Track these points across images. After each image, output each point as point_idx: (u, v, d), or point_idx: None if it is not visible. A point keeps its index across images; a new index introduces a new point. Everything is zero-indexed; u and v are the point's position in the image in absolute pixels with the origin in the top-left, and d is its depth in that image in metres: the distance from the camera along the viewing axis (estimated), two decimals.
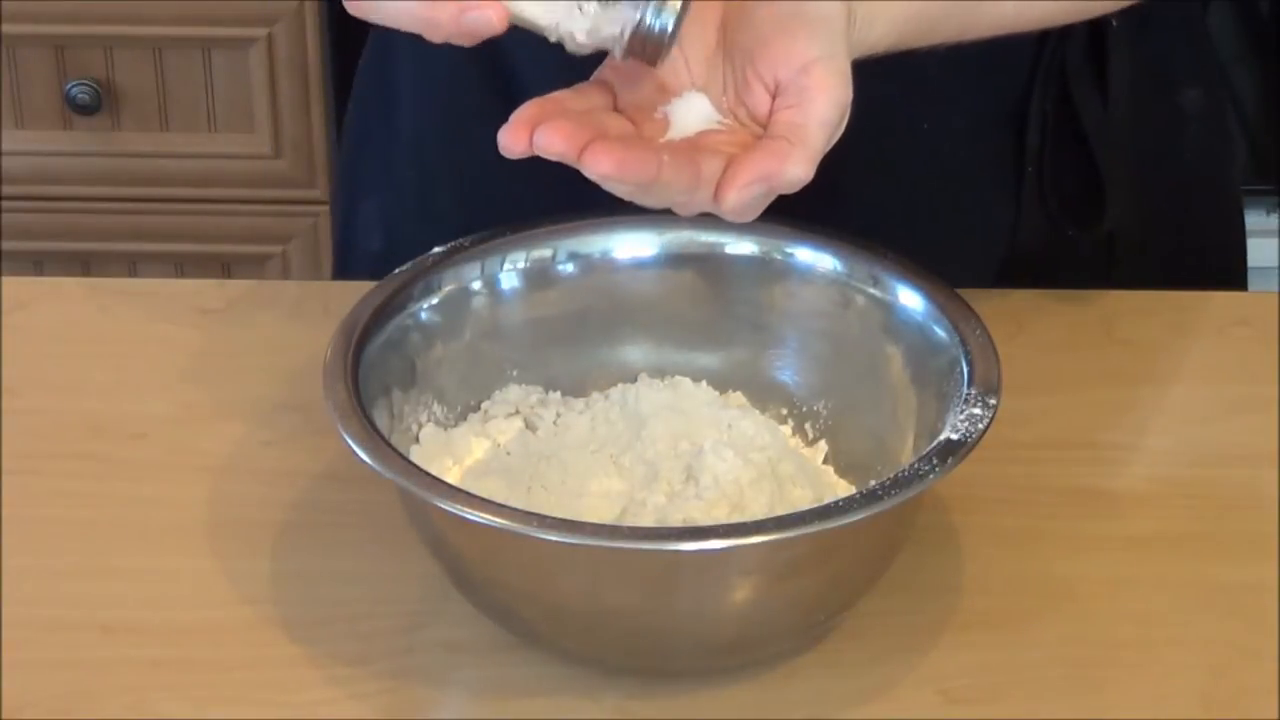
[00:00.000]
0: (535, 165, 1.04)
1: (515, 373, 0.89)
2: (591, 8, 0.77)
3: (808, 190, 0.99)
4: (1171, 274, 1.06)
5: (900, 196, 1.02)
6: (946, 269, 1.00)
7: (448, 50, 1.04)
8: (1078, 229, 1.04)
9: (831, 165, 0.99)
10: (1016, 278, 1.04)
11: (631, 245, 0.90)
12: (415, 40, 1.06)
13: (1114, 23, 0.99)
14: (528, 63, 1.01)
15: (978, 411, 0.79)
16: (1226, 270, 1.12)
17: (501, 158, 1.05)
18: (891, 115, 0.99)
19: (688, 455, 0.85)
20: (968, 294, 0.86)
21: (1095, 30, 1.00)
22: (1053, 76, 1.00)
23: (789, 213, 0.99)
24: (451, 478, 0.84)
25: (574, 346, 0.90)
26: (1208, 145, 1.09)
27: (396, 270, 0.87)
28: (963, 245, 1.04)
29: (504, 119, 1.03)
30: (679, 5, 0.76)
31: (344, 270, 1.15)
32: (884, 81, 0.97)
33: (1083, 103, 1.01)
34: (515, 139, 0.76)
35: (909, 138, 1.00)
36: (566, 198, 0.99)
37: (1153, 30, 1.02)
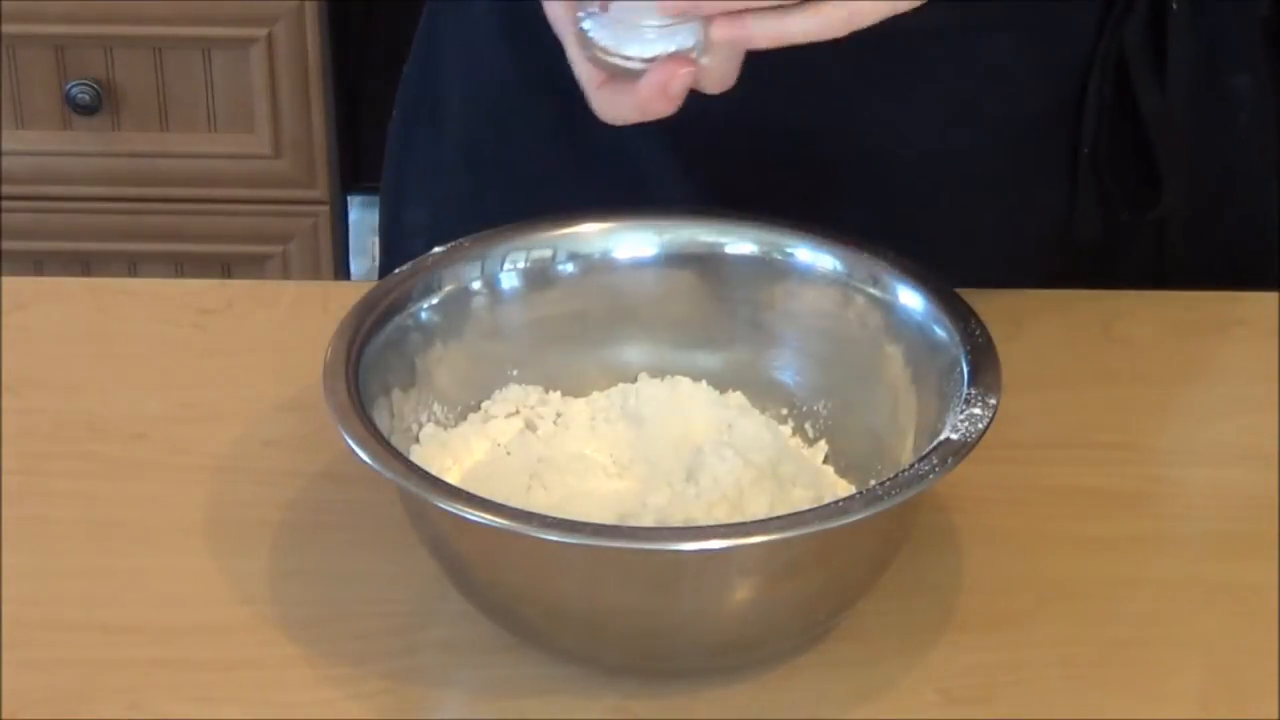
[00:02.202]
0: (590, 169, 1.04)
1: (515, 373, 0.89)
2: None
3: (861, 174, 0.99)
4: (1224, 260, 1.06)
5: (954, 181, 1.02)
6: (1000, 256, 1.00)
7: (496, 57, 1.04)
8: (1132, 213, 1.04)
9: (886, 150, 1.00)
10: (1071, 265, 1.04)
11: (631, 245, 0.90)
12: (462, 49, 1.06)
13: (1174, 6, 0.99)
14: None
15: (978, 411, 0.79)
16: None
17: (556, 163, 1.05)
18: (951, 102, 1.00)
19: (688, 455, 0.85)
20: (967, 294, 0.86)
21: (1155, 13, 0.99)
22: (1110, 61, 1.00)
23: (843, 191, 0.99)
24: (451, 478, 0.84)
25: (574, 346, 0.90)
26: (1258, 132, 1.08)
27: (396, 270, 0.87)
28: (1017, 231, 1.04)
29: (556, 123, 1.03)
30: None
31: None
32: (944, 67, 0.97)
33: (1141, 87, 1.00)
34: None
35: (967, 124, 1.01)
36: (623, 202, 0.99)
37: (1207, 14, 1.02)
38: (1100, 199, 1.03)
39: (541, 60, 1.00)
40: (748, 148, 1.01)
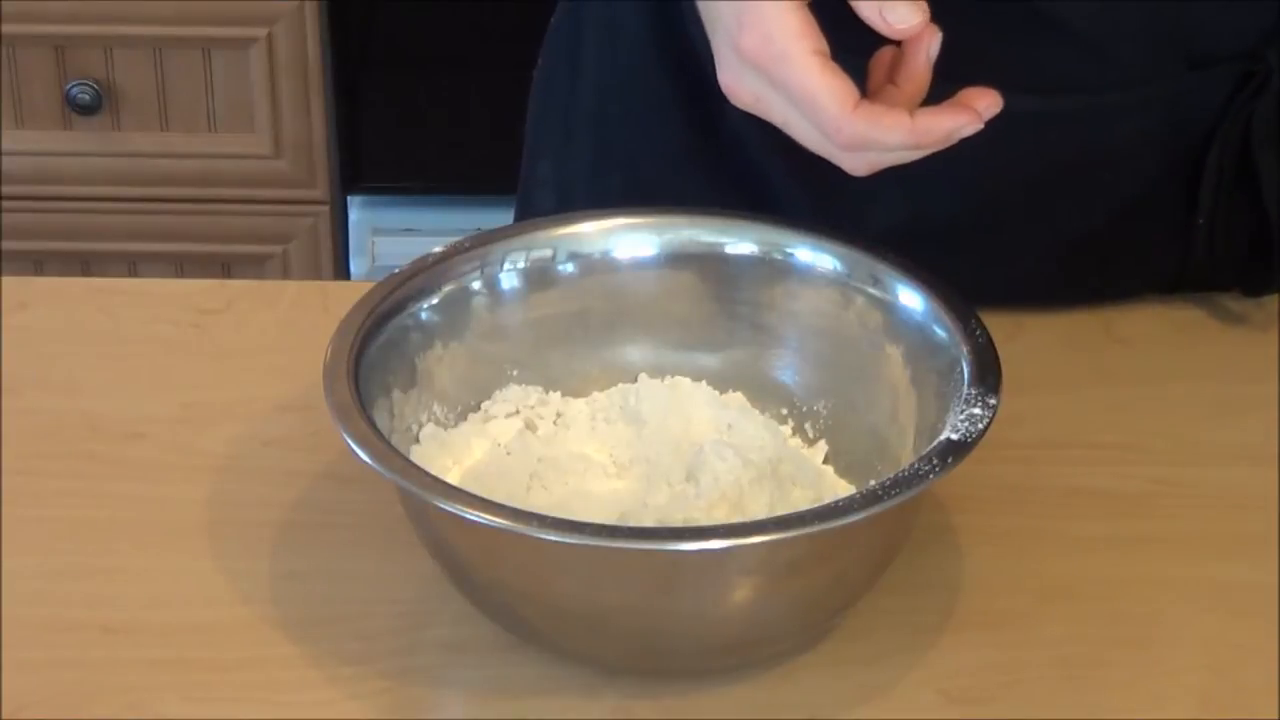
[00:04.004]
0: (705, 162, 1.03)
1: (515, 373, 0.89)
2: None
3: (967, 213, 0.98)
4: None
5: (1062, 240, 1.01)
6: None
7: (637, 37, 1.04)
8: (1243, 290, 1.02)
9: (998, 204, 0.98)
10: None
11: (631, 245, 0.90)
12: (605, 22, 1.05)
13: None
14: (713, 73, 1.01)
15: (978, 411, 0.79)
16: None
17: (674, 149, 1.05)
18: (1070, 172, 0.98)
19: (688, 455, 0.85)
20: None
21: None
22: (1234, 137, 0.98)
23: (944, 226, 0.98)
24: (451, 478, 0.84)
25: (574, 346, 0.90)
26: None
27: (396, 270, 0.87)
28: (1121, 288, 1.02)
29: (683, 112, 1.03)
30: None
31: (523, 220, 1.14)
32: (1070, 143, 0.96)
33: (1264, 166, 0.98)
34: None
35: (1085, 184, 0.99)
36: (728, 198, 0.98)
37: None
38: (1211, 270, 1.02)
39: (679, 48, 0.99)
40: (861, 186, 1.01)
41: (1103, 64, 0.95)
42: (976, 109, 0.80)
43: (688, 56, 1.00)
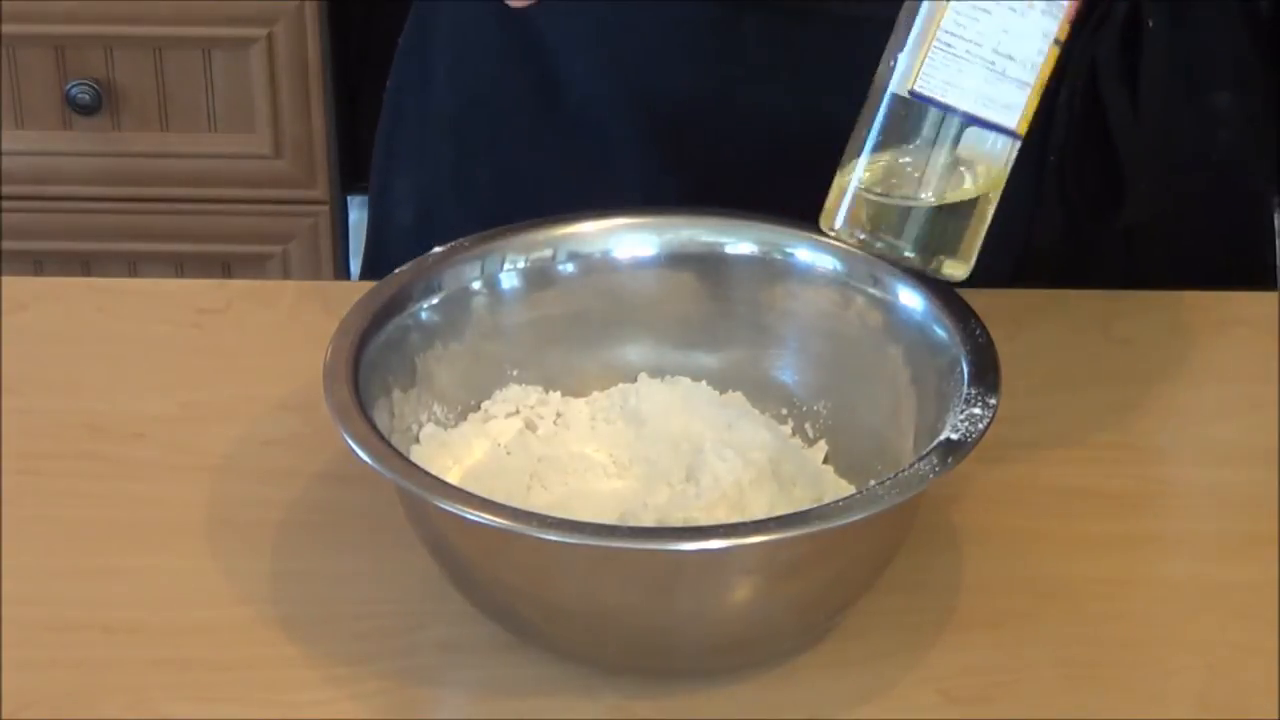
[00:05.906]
0: (570, 147, 1.05)
1: (515, 373, 0.89)
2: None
3: (820, 158, 1.00)
4: (1193, 275, 1.05)
5: None
6: None
7: (484, 31, 1.05)
8: (1095, 223, 1.03)
9: (839, 136, 1.00)
10: (1033, 272, 1.04)
11: (631, 245, 0.90)
12: (454, 22, 1.08)
13: (1150, 22, 0.99)
14: (564, 45, 1.02)
15: (978, 411, 0.79)
16: (1252, 275, 1.11)
17: (537, 139, 1.07)
18: None
19: (688, 455, 0.85)
20: (967, 294, 0.86)
21: (1129, 26, 0.99)
22: (1082, 71, 1.00)
23: (794, 172, 0.99)
24: (451, 478, 0.84)
25: (574, 346, 0.90)
26: (1237, 149, 1.08)
27: (396, 270, 0.87)
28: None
29: (539, 101, 1.04)
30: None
31: (377, 244, 1.16)
32: None
33: (1110, 99, 1.00)
34: None
35: None
36: (600, 182, 0.99)
37: (1187, 30, 1.01)
38: (1063, 205, 1.03)
39: (526, 35, 1.00)
40: (714, 127, 1.02)
41: None
42: None
43: (533, 43, 1.03)
